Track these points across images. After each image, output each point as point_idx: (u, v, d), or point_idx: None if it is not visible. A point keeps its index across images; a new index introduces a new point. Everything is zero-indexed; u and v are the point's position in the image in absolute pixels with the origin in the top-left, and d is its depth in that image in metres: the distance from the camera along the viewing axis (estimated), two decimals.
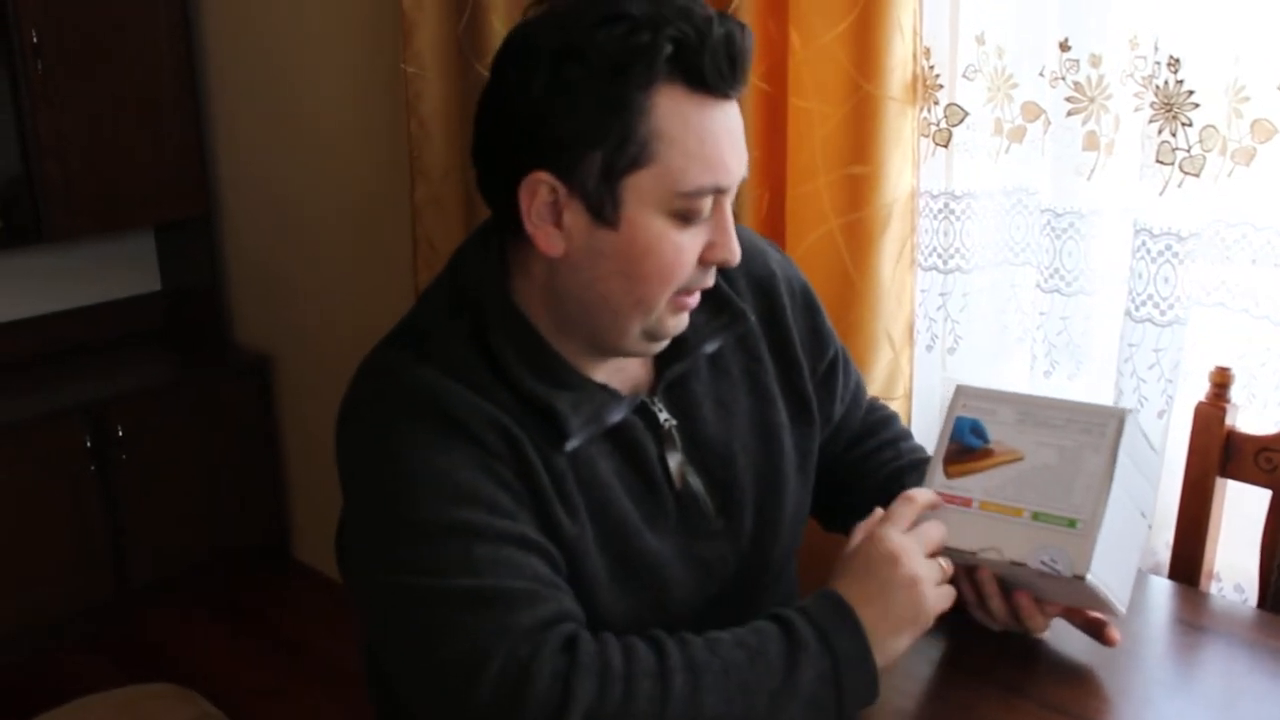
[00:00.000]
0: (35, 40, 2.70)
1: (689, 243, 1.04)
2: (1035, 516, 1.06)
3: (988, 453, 1.11)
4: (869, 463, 1.34)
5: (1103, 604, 1.07)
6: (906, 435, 1.39)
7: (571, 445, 1.06)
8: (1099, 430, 1.08)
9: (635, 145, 0.99)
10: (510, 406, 1.05)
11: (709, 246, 1.06)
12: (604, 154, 1.00)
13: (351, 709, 2.63)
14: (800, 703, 0.97)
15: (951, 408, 1.15)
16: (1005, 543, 1.06)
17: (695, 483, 1.16)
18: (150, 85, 2.94)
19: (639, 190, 1.01)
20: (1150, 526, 1.16)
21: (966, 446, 1.12)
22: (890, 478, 1.29)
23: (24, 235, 2.87)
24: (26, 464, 2.74)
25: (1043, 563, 1.04)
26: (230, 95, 3.04)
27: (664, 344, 1.12)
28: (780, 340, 1.24)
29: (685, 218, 1.03)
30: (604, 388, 1.11)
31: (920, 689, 1.13)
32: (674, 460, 1.15)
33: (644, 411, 1.14)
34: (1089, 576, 1.03)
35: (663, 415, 1.15)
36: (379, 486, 1.04)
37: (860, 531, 1.07)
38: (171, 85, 2.97)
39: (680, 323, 1.10)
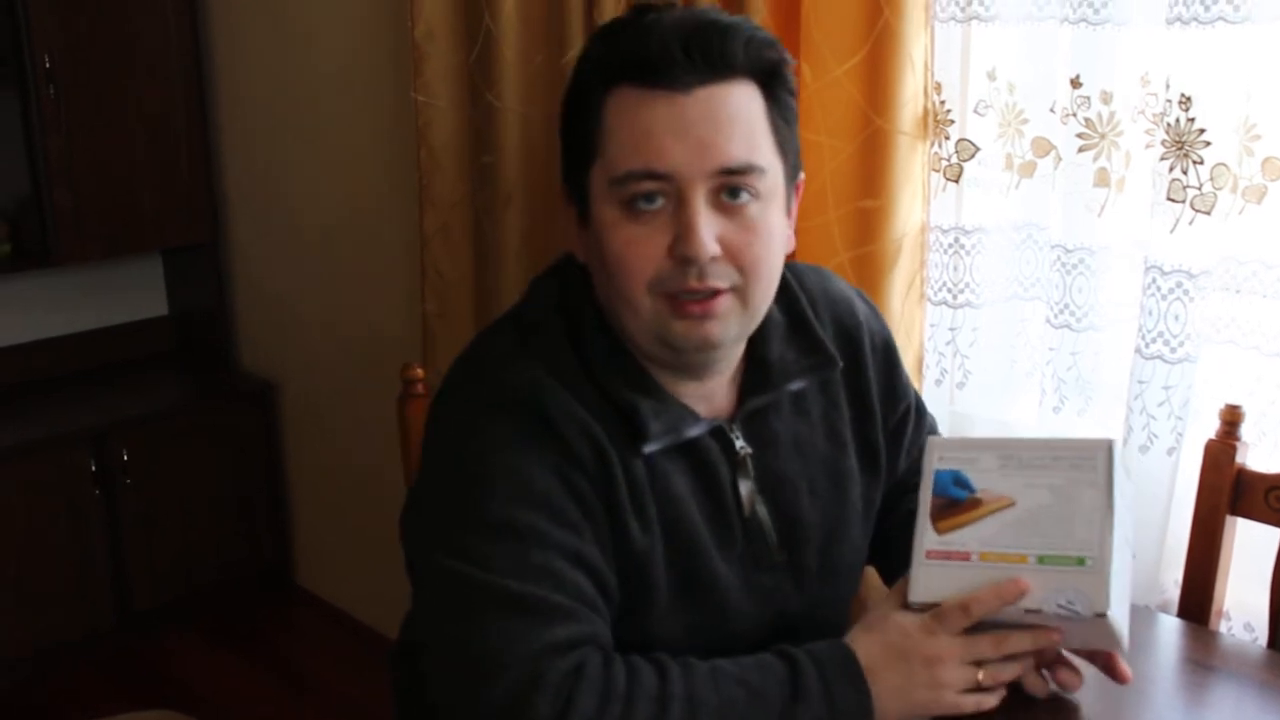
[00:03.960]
0: (48, 65, 2.71)
1: (645, 235, 1.05)
2: (1041, 560, 1.03)
3: (975, 502, 1.07)
4: None
5: (1113, 641, 1.05)
6: None
7: (649, 449, 1.09)
8: (1089, 465, 1.05)
9: (590, 143, 1.08)
10: (598, 410, 1.09)
11: (674, 240, 1.05)
12: (573, 156, 1.11)
13: None
14: None
15: (927, 462, 1.11)
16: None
17: (762, 513, 1.18)
18: (160, 111, 2.95)
19: (594, 185, 1.08)
20: (1134, 556, 1.14)
21: (952, 499, 1.08)
22: None
23: (33, 259, 2.88)
24: (31, 487, 2.74)
25: (1060, 606, 1.01)
26: (240, 121, 3.05)
27: (691, 355, 1.11)
28: (859, 389, 1.25)
29: (629, 205, 1.05)
30: (684, 405, 1.14)
31: None
32: (745, 488, 1.16)
33: (721, 437, 1.16)
34: (1110, 613, 1.00)
35: (739, 442, 1.17)
36: (458, 470, 1.07)
37: (890, 601, 1.08)
38: (181, 111, 2.99)
39: (695, 332, 1.07)
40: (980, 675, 1.03)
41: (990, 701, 1.05)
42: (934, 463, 1.11)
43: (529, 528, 1.02)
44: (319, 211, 2.86)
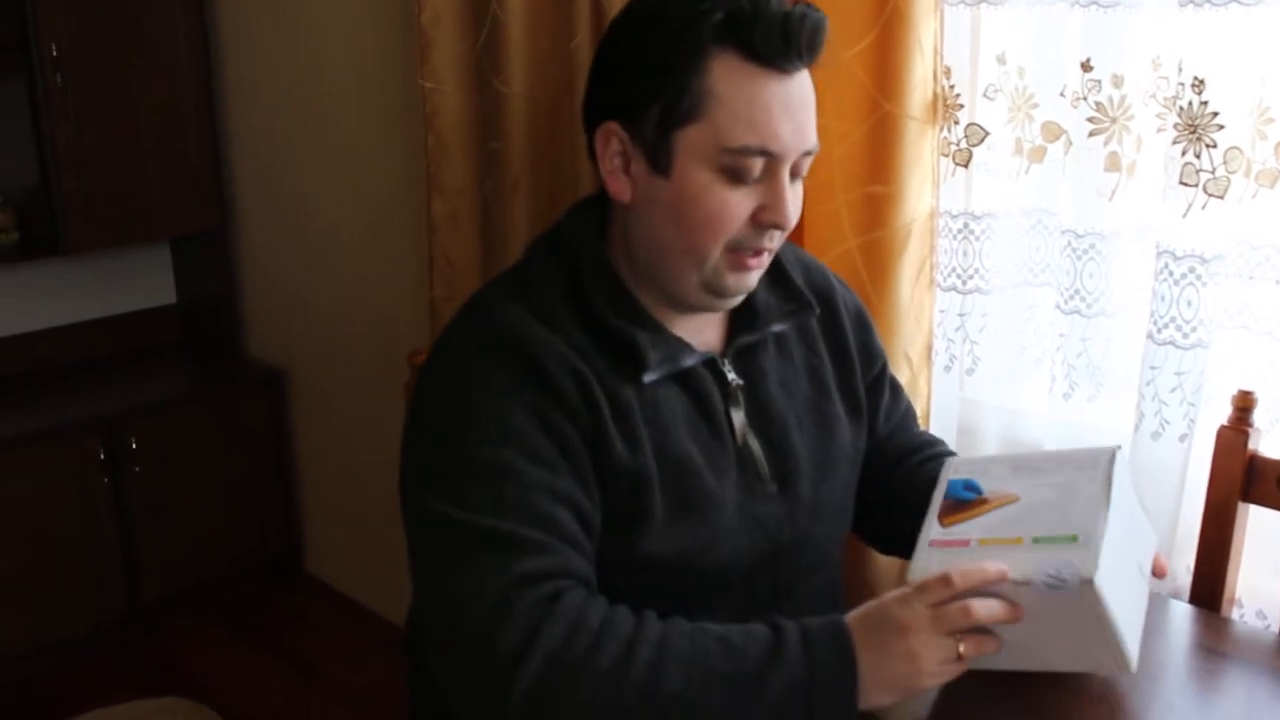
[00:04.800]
0: (55, 54, 2.71)
1: (738, 200, 1.13)
2: (1036, 541, 1.05)
3: (983, 501, 1.12)
4: (919, 473, 1.36)
5: (1112, 647, 1.03)
6: (954, 453, 1.43)
7: (649, 377, 1.16)
8: (1091, 465, 1.10)
9: (688, 101, 1.11)
10: (587, 346, 1.15)
11: (761, 209, 1.14)
12: (661, 107, 1.12)
13: None
14: (765, 706, 0.99)
15: (942, 475, 1.18)
16: (1008, 568, 1.03)
17: (754, 445, 1.24)
18: (168, 99, 2.95)
19: (689, 143, 1.12)
20: (1149, 591, 1.14)
21: (961, 500, 1.13)
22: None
23: (41, 247, 2.88)
24: (40, 476, 2.74)
25: (1048, 575, 1.01)
26: (247, 109, 3.04)
27: (728, 301, 1.21)
28: (837, 342, 1.34)
29: (733, 174, 1.12)
30: (679, 338, 1.21)
31: (934, 705, 1.12)
32: (737, 418, 1.23)
33: (714, 369, 1.23)
34: (1097, 578, 0.99)
35: (730, 374, 1.24)
36: (442, 413, 1.13)
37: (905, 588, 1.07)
38: (189, 99, 2.98)
39: (743, 282, 1.19)
40: (961, 647, 1.02)
41: (956, 674, 1.04)
42: (949, 474, 1.17)
43: (506, 465, 1.07)
44: (327, 199, 2.85)
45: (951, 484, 1.16)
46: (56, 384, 3.04)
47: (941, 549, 1.08)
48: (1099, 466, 1.09)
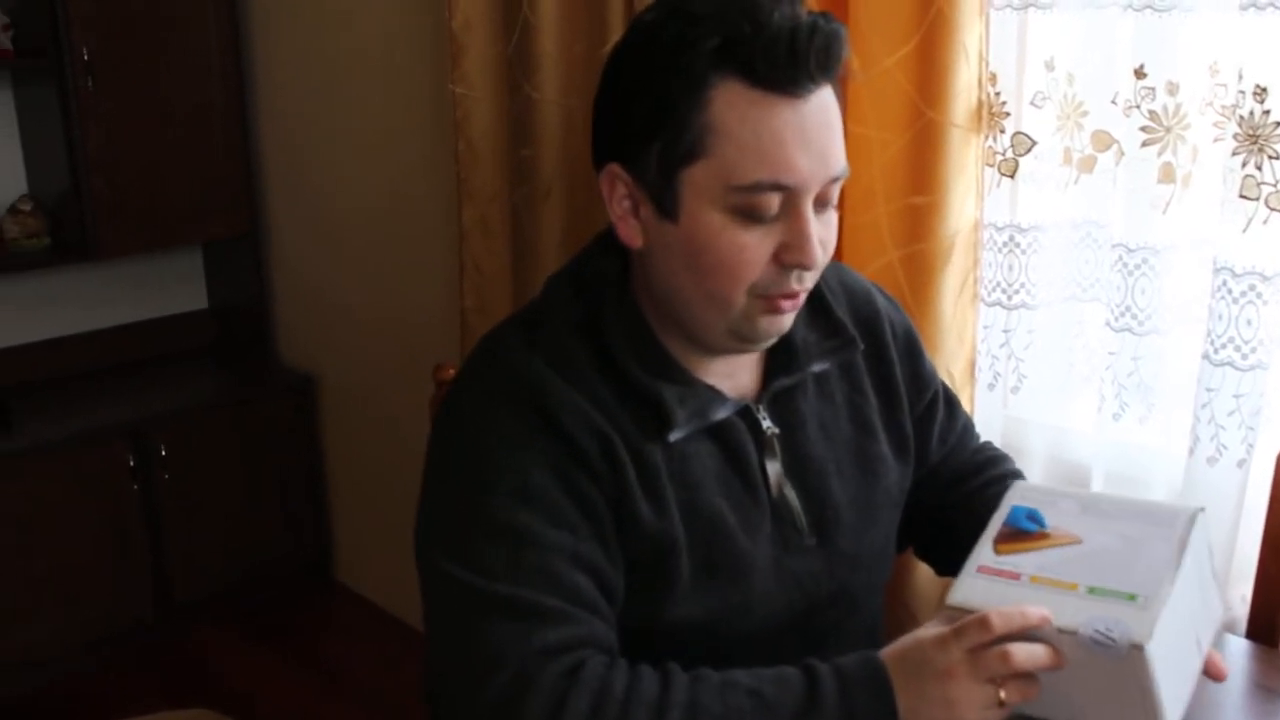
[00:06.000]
0: (86, 58, 2.70)
1: (755, 242, 1.03)
2: (1091, 591, 0.98)
3: (1043, 535, 1.05)
4: (980, 496, 1.29)
5: (1148, 700, 0.95)
6: (1020, 473, 1.35)
7: (675, 436, 1.08)
8: (1168, 523, 1.02)
9: (690, 138, 1.01)
10: (609, 401, 1.07)
11: (783, 248, 1.04)
12: (661, 146, 1.03)
13: None
14: None
15: (1006, 499, 1.10)
16: (1055, 612, 0.97)
17: (791, 496, 1.16)
18: (199, 103, 2.94)
19: (695, 184, 1.02)
20: (1201, 668, 1.04)
21: (1021, 530, 1.06)
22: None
23: (72, 252, 2.87)
24: (70, 481, 2.74)
25: (1097, 631, 0.94)
26: (278, 114, 3.03)
27: (760, 345, 1.13)
28: (884, 375, 1.25)
29: (747, 214, 1.02)
30: (710, 387, 1.12)
31: None
32: (773, 469, 1.15)
33: (748, 417, 1.15)
34: (1149, 647, 0.92)
35: (766, 422, 1.15)
36: (455, 468, 1.07)
37: (937, 621, 1.01)
38: (220, 103, 2.97)
39: (775, 325, 1.09)
40: (1002, 694, 0.96)
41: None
42: (1014, 500, 1.10)
43: (523, 528, 1.01)
44: (358, 204, 2.84)
45: (1014, 511, 1.08)
46: (86, 389, 3.03)
47: (989, 577, 1.03)
48: (1175, 526, 1.01)
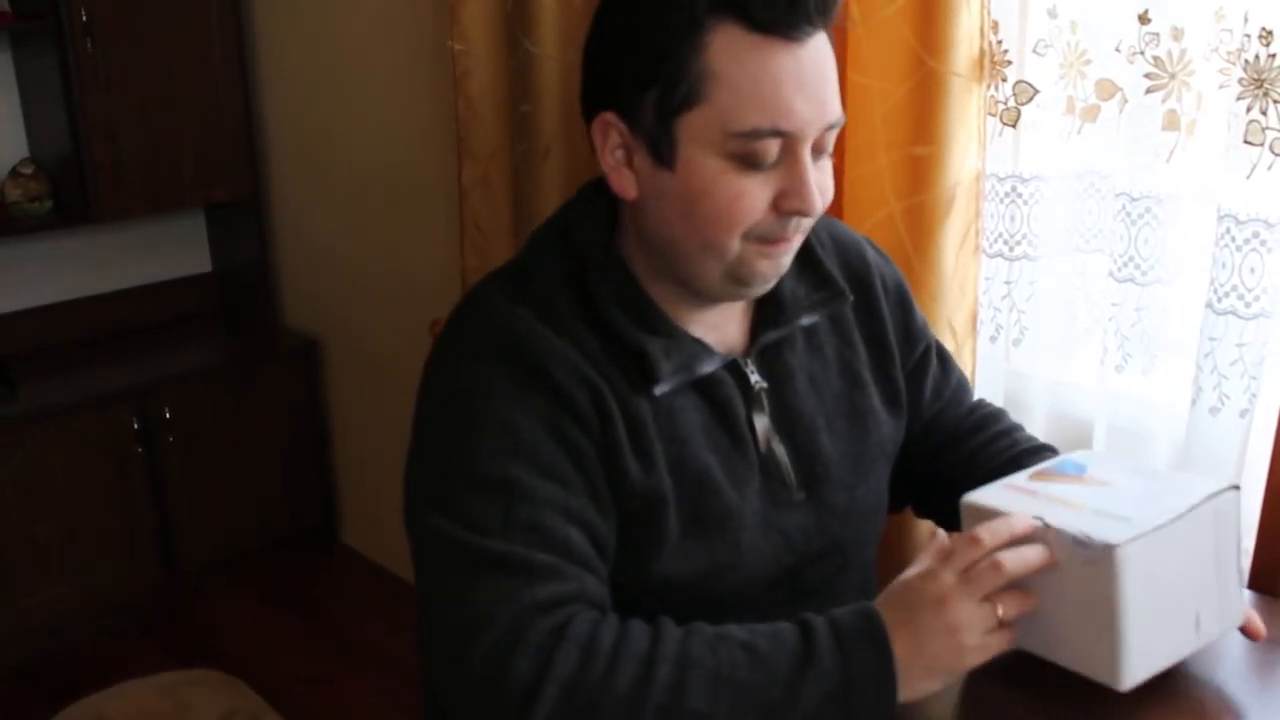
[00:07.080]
0: (85, 19, 2.68)
1: (754, 188, 1.02)
2: (1095, 512, 1.00)
3: (1079, 478, 1.07)
4: (983, 454, 1.29)
5: (1111, 646, 0.96)
6: (1019, 426, 1.34)
7: (661, 390, 1.07)
8: (1200, 489, 1.02)
9: (686, 84, 0.99)
10: (597, 353, 1.06)
11: (781, 195, 1.03)
12: (658, 93, 1.01)
13: (395, 697, 2.61)
14: (799, 717, 0.93)
15: (1066, 458, 1.12)
16: (1049, 516, 0.99)
17: (779, 450, 1.15)
18: (200, 66, 2.92)
19: (692, 130, 1.01)
20: (1193, 651, 1.05)
21: (1060, 472, 1.08)
22: (1008, 464, 1.24)
23: (74, 216, 2.86)
24: (74, 446, 2.74)
25: (1079, 530, 0.96)
26: (280, 75, 3.01)
27: (756, 289, 1.10)
28: (874, 329, 1.24)
29: (746, 160, 1.01)
30: (697, 340, 1.11)
31: (956, 697, 1.06)
32: (760, 423, 1.14)
33: (735, 371, 1.14)
34: (1122, 549, 0.93)
35: (754, 376, 1.15)
36: (446, 425, 1.05)
37: (925, 557, 1.01)
38: (221, 65, 2.95)
39: (773, 268, 1.08)
40: (1000, 610, 0.96)
41: (1003, 644, 0.98)
42: (1075, 457, 1.12)
43: (515, 482, 1.00)
44: (359, 165, 2.82)
45: (1067, 458, 1.11)
46: (90, 354, 3.04)
47: (1009, 491, 1.05)
48: (1201, 492, 1.02)
